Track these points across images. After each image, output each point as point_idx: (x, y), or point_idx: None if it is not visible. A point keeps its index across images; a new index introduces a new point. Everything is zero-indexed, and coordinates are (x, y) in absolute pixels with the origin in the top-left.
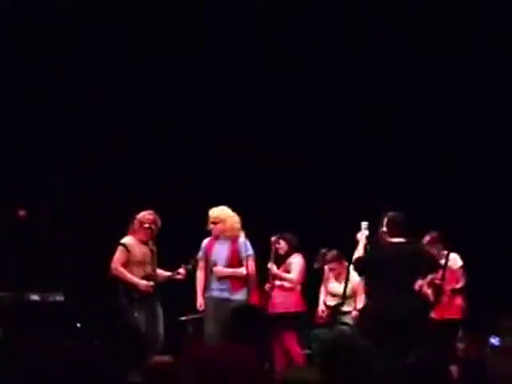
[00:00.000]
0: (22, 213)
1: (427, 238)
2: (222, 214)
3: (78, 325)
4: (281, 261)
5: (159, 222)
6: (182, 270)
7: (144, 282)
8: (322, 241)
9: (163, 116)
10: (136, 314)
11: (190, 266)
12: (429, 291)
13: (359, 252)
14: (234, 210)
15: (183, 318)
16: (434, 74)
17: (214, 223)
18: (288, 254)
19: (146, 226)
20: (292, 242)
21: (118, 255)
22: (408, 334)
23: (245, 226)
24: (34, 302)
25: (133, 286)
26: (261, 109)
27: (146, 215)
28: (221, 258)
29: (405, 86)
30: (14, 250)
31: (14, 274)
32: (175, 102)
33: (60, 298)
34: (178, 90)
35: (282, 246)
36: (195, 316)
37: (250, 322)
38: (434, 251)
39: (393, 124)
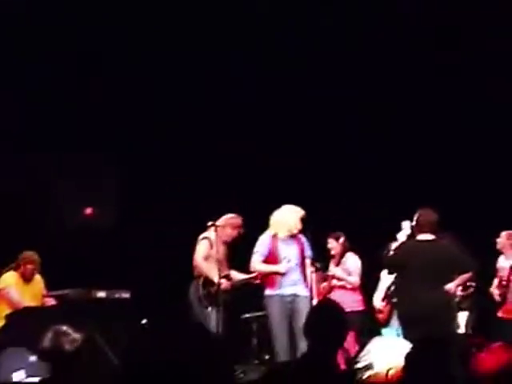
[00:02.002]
0: (88, 211)
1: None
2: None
3: (144, 321)
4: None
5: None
6: (257, 274)
7: (224, 280)
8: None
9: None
10: (209, 309)
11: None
12: (495, 291)
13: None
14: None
15: (247, 316)
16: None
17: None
18: (342, 253)
19: (237, 229)
20: (346, 241)
21: (202, 248)
22: (432, 331)
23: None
24: (101, 298)
25: (212, 282)
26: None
27: (235, 218)
28: (292, 255)
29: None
30: (81, 247)
31: (82, 271)
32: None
33: (126, 295)
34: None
35: (335, 245)
36: (259, 314)
37: (334, 320)
38: None
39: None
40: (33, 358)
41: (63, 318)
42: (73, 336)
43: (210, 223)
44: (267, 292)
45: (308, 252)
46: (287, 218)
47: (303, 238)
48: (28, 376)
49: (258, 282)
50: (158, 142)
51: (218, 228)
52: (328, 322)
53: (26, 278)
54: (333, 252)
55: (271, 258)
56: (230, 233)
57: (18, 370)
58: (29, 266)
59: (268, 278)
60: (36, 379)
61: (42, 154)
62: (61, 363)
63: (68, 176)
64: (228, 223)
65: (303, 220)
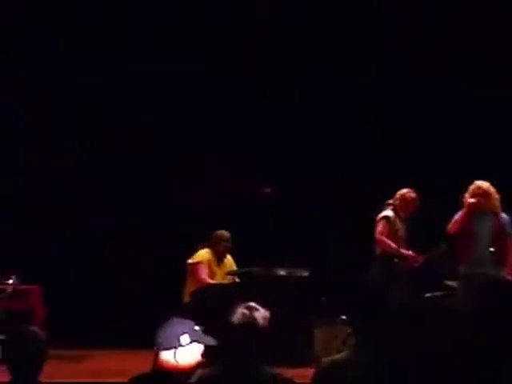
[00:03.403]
0: (267, 190)
1: None
2: (489, 187)
3: (323, 299)
4: None
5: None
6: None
7: (412, 254)
8: None
9: None
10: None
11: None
12: None
13: None
14: None
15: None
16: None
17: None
18: None
19: (413, 205)
20: None
21: (382, 228)
22: None
23: None
24: (281, 276)
25: (399, 258)
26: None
27: (411, 193)
28: (484, 232)
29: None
30: (260, 226)
31: (263, 249)
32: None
33: (305, 273)
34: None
35: None
36: (445, 293)
37: None
38: None
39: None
40: (197, 327)
41: (246, 295)
42: (263, 312)
43: (389, 201)
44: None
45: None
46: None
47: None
48: (192, 341)
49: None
50: None
51: (396, 205)
52: None
53: (219, 256)
54: None
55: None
56: (406, 208)
57: (183, 334)
58: (223, 245)
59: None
60: (199, 345)
61: None
62: (252, 338)
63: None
64: (404, 199)
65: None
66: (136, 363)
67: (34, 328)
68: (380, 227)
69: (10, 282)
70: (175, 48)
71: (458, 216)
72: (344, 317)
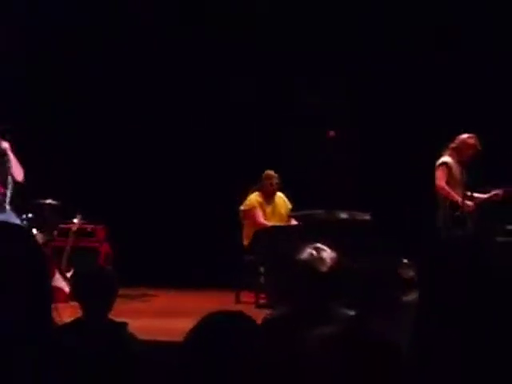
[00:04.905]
0: (331, 133)
1: None
2: None
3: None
4: None
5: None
6: (498, 192)
7: (468, 202)
8: None
9: None
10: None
11: None
12: None
13: None
14: None
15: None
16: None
17: None
18: None
19: (472, 149)
20: None
21: (441, 174)
22: None
23: None
24: (343, 219)
25: (457, 205)
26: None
27: (471, 138)
28: None
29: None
30: (324, 170)
31: (325, 193)
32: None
33: (367, 217)
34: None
35: None
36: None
37: None
38: None
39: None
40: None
41: (308, 237)
42: (330, 253)
43: (448, 145)
44: None
45: None
46: None
47: None
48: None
49: (497, 199)
50: None
51: (455, 149)
52: None
53: (269, 196)
54: None
55: None
56: (466, 153)
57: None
58: (269, 183)
59: None
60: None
61: None
62: (320, 278)
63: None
64: (463, 144)
65: None
66: (199, 303)
67: (101, 265)
68: (439, 173)
69: (75, 220)
70: None
71: None
72: (406, 260)
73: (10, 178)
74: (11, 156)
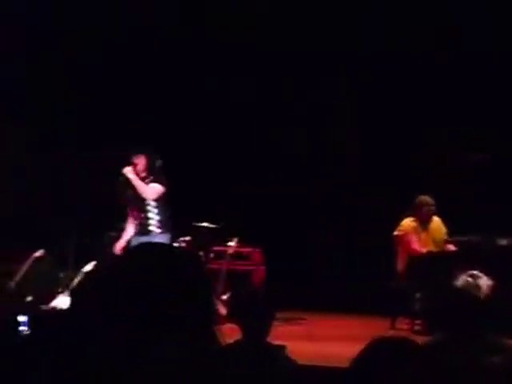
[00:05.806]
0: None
1: None
2: None
3: None
4: None
5: None
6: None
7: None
8: None
9: None
10: None
11: None
12: None
13: None
14: None
15: None
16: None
17: None
18: None
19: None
20: None
21: None
22: None
23: None
24: (502, 246)
25: None
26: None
27: None
28: None
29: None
30: (483, 194)
31: (484, 217)
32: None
33: None
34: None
35: None
36: None
37: None
38: None
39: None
40: None
41: (465, 263)
42: (487, 280)
43: None
44: None
45: None
46: None
47: None
48: None
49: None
50: None
51: None
52: None
53: (423, 222)
54: None
55: None
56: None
57: None
58: (425, 210)
59: None
60: None
61: None
62: (477, 306)
63: None
64: None
65: None
66: (352, 329)
67: (255, 288)
68: None
69: (232, 244)
70: None
71: None
72: None
73: (149, 201)
74: (133, 178)
